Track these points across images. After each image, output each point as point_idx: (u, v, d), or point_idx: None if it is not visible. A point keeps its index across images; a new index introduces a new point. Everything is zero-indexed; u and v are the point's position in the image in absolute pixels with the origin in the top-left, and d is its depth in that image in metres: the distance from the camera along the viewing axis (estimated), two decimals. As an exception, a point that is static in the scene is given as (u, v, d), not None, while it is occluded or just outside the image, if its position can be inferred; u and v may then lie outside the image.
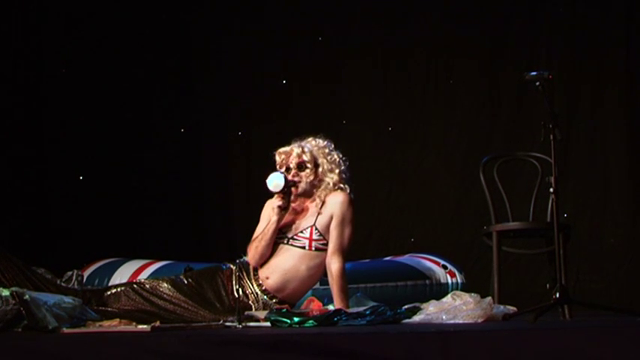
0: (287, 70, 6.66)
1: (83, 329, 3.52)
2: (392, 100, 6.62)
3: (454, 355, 2.67)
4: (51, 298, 3.76)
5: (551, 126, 3.95)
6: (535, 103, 5.93)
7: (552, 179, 3.96)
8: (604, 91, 6.34)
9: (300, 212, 4.27)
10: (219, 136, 6.69)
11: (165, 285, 4.19)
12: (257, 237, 4.25)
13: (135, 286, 4.21)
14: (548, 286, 4.71)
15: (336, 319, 3.59)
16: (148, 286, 4.20)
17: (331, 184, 4.25)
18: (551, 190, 3.97)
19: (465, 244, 6.16)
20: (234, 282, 4.19)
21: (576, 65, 6.36)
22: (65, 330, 3.46)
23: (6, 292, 3.64)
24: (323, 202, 4.22)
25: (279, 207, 4.17)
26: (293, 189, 4.21)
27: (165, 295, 4.16)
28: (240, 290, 4.18)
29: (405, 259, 5.24)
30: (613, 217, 6.21)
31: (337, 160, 4.34)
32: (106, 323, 3.65)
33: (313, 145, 4.37)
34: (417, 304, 3.88)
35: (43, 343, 2.82)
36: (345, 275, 4.10)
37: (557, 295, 3.82)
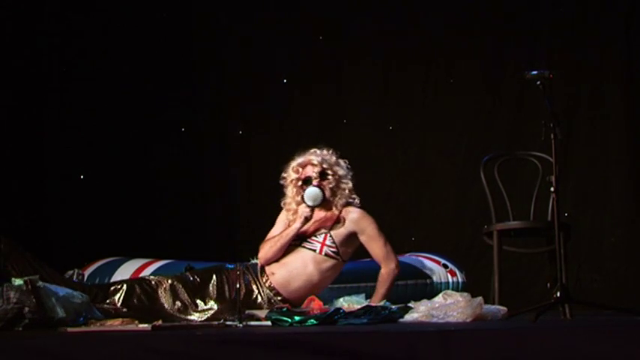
0: (287, 69, 6.65)
1: (84, 328, 3.53)
2: (392, 100, 6.62)
3: (454, 354, 2.67)
4: (61, 290, 3.81)
5: (551, 125, 3.95)
6: (535, 103, 5.92)
7: (553, 178, 3.96)
8: (604, 91, 6.34)
9: (316, 218, 4.34)
10: (219, 135, 6.69)
11: (170, 282, 4.23)
12: (273, 238, 4.37)
13: (140, 282, 4.25)
14: (548, 285, 4.70)
15: (336, 317, 3.60)
16: (153, 282, 4.23)
17: (347, 192, 4.36)
18: (552, 189, 3.98)
19: (466, 243, 6.16)
20: (239, 280, 4.23)
21: (576, 64, 6.35)
22: (66, 329, 3.47)
23: (19, 282, 3.68)
24: (340, 212, 4.33)
25: (307, 218, 4.27)
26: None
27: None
28: (245, 287, 4.22)
29: (406, 258, 5.23)
30: (614, 216, 6.21)
31: (346, 166, 4.44)
32: (107, 322, 3.65)
33: (324, 154, 4.43)
34: (409, 304, 3.90)
35: (44, 342, 2.82)
36: (394, 278, 4.32)
37: (558, 294, 3.83)
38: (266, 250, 4.31)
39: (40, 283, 3.71)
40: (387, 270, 4.32)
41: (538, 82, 4.05)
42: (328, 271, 4.27)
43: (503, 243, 4.64)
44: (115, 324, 3.59)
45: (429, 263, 5.10)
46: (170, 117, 6.56)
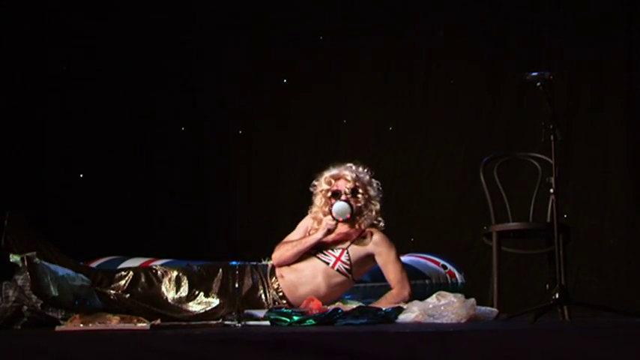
0: (288, 69, 6.65)
1: (82, 327, 3.52)
2: (392, 100, 6.62)
3: (454, 354, 2.67)
4: (61, 270, 3.80)
5: (551, 126, 3.96)
6: (536, 104, 5.92)
7: (552, 180, 3.96)
8: (604, 92, 6.34)
9: (338, 232, 4.37)
10: (219, 134, 6.69)
11: (176, 273, 4.24)
12: (290, 242, 4.39)
13: (147, 271, 4.27)
14: (547, 286, 4.70)
15: (335, 317, 3.60)
16: (159, 272, 4.26)
17: (374, 213, 4.37)
18: (551, 190, 3.98)
19: (465, 244, 6.15)
20: (247, 278, 4.26)
21: (577, 65, 6.36)
22: (63, 328, 3.47)
23: (16, 257, 3.67)
24: (362, 232, 4.34)
25: (329, 230, 4.30)
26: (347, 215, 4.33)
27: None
28: (252, 285, 4.25)
29: (405, 258, 5.22)
30: (613, 218, 6.21)
31: (378, 187, 4.45)
32: (106, 320, 3.64)
33: (359, 171, 4.43)
34: (400, 305, 3.91)
35: (43, 341, 2.82)
36: (401, 302, 4.23)
37: (557, 295, 3.83)
38: (281, 252, 4.35)
39: (37, 260, 3.71)
40: (398, 292, 4.28)
41: (538, 84, 4.05)
42: (336, 286, 4.29)
43: (502, 244, 4.64)
44: (113, 322, 3.58)
45: (428, 264, 5.10)
46: (170, 116, 6.56)
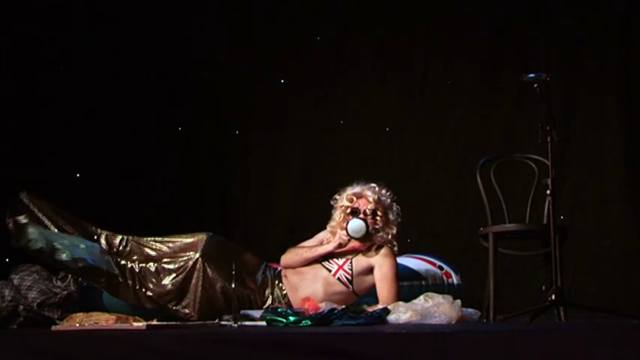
0: (285, 69, 6.65)
1: (78, 327, 3.52)
2: (389, 101, 6.62)
3: (449, 355, 2.67)
4: (66, 239, 3.79)
5: (548, 128, 3.96)
6: (533, 105, 5.93)
7: (549, 181, 3.97)
8: (602, 93, 6.34)
9: (349, 247, 4.39)
10: (216, 135, 6.69)
11: (204, 236, 4.42)
12: (302, 248, 4.43)
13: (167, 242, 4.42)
14: (544, 287, 4.71)
15: (331, 318, 3.61)
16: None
17: (389, 237, 4.38)
18: (548, 191, 3.99)
19: (462, 245, 6.15)
20: (259, 275, 4.32)
21: (574, 66, 6.36)
22: (59, 327, 3.46)
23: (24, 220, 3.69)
24: (370, 247, 4.35)
25: (341, 244, 4.32)
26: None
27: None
28: (261, 281, 4.34)
29: (402, 259, 5.22)
30: (609, 219, 6.21)
31: (398, 212, 4.46)
32: (102, 319, 3.65)
33: (382, 194, 4.45)
34: (387, 306, 3.92)
35: (39, 341, 2.81)
36: None
37: (553, 296, 3.83)
38: (290, 257, 4.41)
39: (25, 220, 3.72)
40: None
41: (535, 85, 4.05)
42: (335, 295, 4.28)
43: (499, 245, 4.63)
44: (109, 322, 3.58)
45: (424, 265, 5.10)
46: (167, 116, 6.55)
